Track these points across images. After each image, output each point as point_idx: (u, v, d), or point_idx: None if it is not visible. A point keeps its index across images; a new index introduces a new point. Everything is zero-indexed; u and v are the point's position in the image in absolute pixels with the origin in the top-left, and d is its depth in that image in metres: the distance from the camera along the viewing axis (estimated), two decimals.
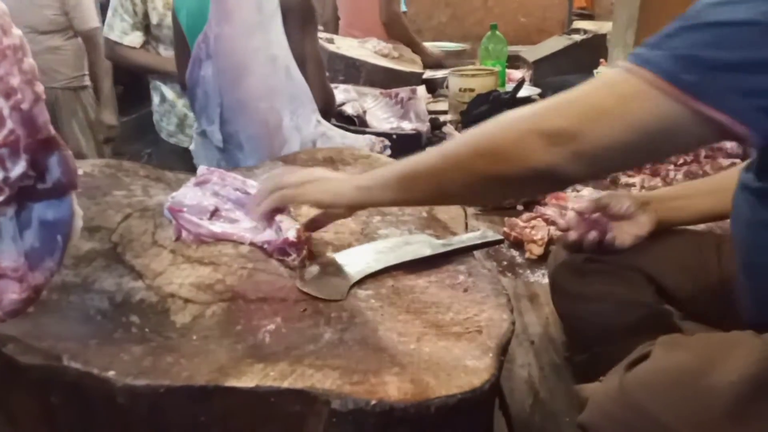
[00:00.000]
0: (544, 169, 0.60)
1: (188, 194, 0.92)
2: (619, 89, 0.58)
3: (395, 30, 2.82)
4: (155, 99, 2.18)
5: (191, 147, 1.67)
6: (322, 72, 1.68)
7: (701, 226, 0.95)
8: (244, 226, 0.87)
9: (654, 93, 0.55)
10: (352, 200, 0.77)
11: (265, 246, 0.83)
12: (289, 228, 0.82)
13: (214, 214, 0.90)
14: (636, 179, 1.48)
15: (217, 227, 0.87)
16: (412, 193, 0.72)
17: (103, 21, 2.26)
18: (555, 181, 0.64)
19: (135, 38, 2.01)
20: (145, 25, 2.02)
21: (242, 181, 0.96)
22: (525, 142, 0.61)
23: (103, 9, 3.11)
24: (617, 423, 0.54)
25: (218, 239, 0.85)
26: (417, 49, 2.79)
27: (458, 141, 0.70)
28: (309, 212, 0.89)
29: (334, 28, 3.03)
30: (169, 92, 2.08)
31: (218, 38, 1.35)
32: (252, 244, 0.84)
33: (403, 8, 3.08)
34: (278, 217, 0.84)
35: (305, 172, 0.84)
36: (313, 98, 1.49)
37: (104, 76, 2.75)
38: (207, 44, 1.38)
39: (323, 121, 1.52)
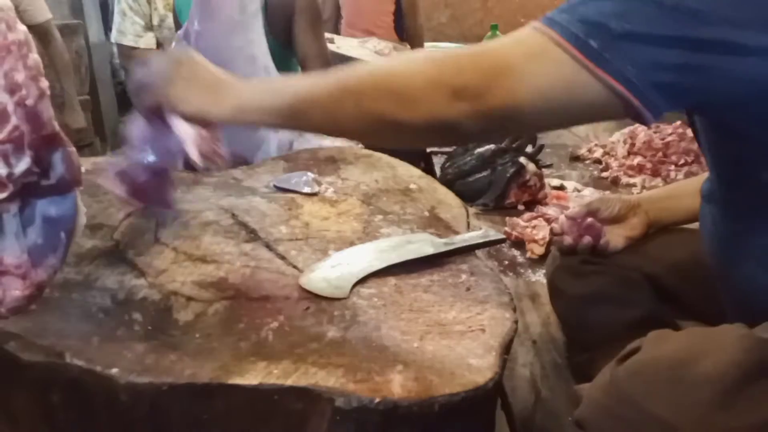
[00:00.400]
0: (445, 122, 0.59)
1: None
2: (526, 47, 0.58)
3: (416, 45, 2.89)
4: None
5: None
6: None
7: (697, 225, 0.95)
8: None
9: (558, 53, 0.55)
10: (222, 119, 0.70)
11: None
12: (186, 138, 0.71)
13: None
14: (637, 179, 1.48)
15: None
16: (299, 121, 0.68)
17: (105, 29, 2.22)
18: (455, 135, 0.63)
19: (149, 40, 1.99)
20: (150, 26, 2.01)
21: None
22: (430, 92, 0.58)
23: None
24: (611, 416, 0.54)
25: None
26: None
27: (360, 73, 0.64)
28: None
29: (334, 26, 3.03)
30: None
31: (199, 35, 1.35)
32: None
33: None
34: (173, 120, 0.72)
35: (177, 65, 0.72)
36: None
37: (65, 75, 2.47)
38: (188, 41, 1.37)
39: None
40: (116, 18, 2.05)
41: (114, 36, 2.10)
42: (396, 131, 0.63)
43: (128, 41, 1.96)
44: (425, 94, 0.59)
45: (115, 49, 2.67)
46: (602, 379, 0.57)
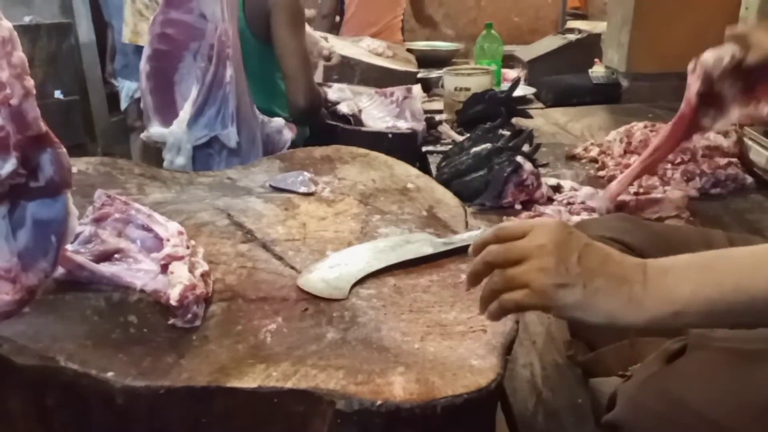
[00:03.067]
0: None
1: (85, 231, 0.77)
2: None
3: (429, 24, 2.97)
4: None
5: (179, 162, 1.59)
6: (308, 69, 1.67)
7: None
8: (144, 268, 0.74)
9: None
10: (637, 331, 0.59)
11: (160, 295, 0.69)
12: (175, 284, 0.68)
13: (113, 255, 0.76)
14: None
15: (108, 269, 0.73)
16: (739, 320, 0.52)
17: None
18: None
19: None
20: None
21: (147, 215, 0.80)
22: None
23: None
24: (658, 420, 0.52)
25: (107, 283, 0.72)
26: None
27: None
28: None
29: (332, 22, 3.01)
30: None
31: (232, 38, 1.32)
32: (142, 291, 0.71)
33: None
34: (171, 266, 0.71)
35: (548, 260, 0.54)
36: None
37: None
38: (230, 40, 1.33)
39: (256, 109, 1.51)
40: (129, 18, 2.02)
41: (128, 36, 2.07)
42: None
43: (144, 41, 1.95)
44: None
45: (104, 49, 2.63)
46: (647, 381, 0.55)
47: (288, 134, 1.59)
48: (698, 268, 0.53)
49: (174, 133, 1.29)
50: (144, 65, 1.26)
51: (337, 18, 3.04)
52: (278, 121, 1.60)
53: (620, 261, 0.56)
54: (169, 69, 1.34)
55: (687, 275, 0.53)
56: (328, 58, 2.10)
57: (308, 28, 2.10)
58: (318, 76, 2.13)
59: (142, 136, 1.30)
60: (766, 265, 0.51)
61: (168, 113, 1.31)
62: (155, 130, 1.30)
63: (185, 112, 1.29)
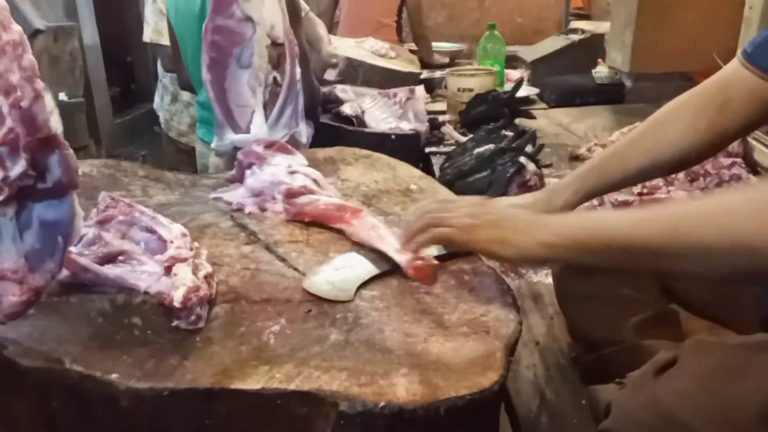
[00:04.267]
0: None
1: (89, 234, 0.77)
2: None
3: (422, 46, 2.91)
4: (165, 98, 2.16)
5: (213, 160, 1.60)
6: (306, 65, 1.68)
7: None
8: (147, 270, 0.74)
9: None
10: (535, 258, 0.69)
11: (164, 297, 0.69)
12: (178, 286, 0.68)
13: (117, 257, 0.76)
14: None
15: (112, 271, 0.73)
16: (616, 261, 0.62)
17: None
18: None
19: None
20: None
21: (151, 217, 0.81)
22: None
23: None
24: (647, 430, 0.53)
25: (111, 285, 0.72)
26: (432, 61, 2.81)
27: (695, 220, 0.55)
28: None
29: (330, 20, 3.02)
30: (185, 93, 2.05)
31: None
32: (146, 293, 0.71)
33: None
34: (175, 267, 0.72)
35: (468, 208, 0.73)
36: None
37: None
38: (294, 39, 1.33)
39: None
40: (151, 18, 2.03)
41: (150, 36, 2.08)
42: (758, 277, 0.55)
43: (166, 41, 1.94)
44: None
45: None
46: (636, 390, 0.56)
47: (306, 130, 1.57)
48: (584, 216, 0.69)
49: (258, 136, 1.29)
50: (206, 74, 1.26)
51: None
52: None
53: (523, 214, 0.72)
54: (220, 76, 1.34)
55: (574, 219, 0.70)
56: (334, 65, 2.11)
57: (323, 30, 2.11)
58: (331, 74, 2.14)
59: (213, 146, 1.30)
60: (630, 220, 0.61)
61: (231, 120, 1.31)
62: (234, 137, 1.29)
63: (260, 115, 1.29)
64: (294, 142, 1.37)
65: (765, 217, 0.50)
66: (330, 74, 2.15)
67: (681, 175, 1.44)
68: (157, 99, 2.24)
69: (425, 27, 2.97)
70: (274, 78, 1.29)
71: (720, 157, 1.48)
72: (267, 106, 1.28)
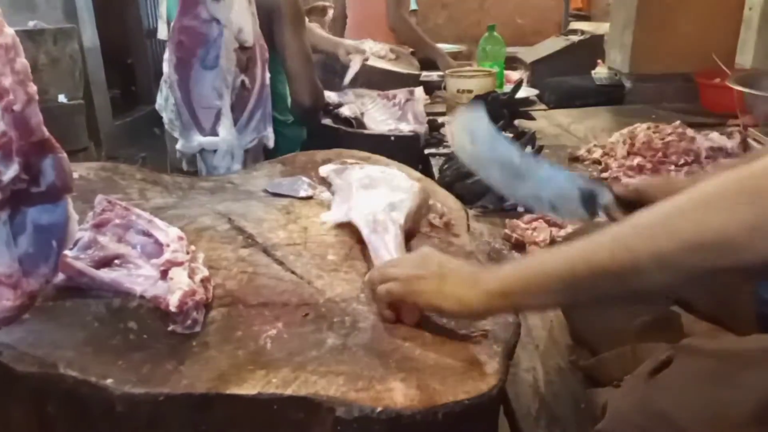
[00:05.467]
0: None
1: (85, 237, 0.77)
2: None
3: (403, 35, 2.77)
4: (170, 99, 2.15)
5: (236, 168, 1.57)
6: (311, 68, 1.69)
7: None
8: (144, 274, 0.74)
9: None
10: (482, 311, 0.63)
11: (160, 301, 0.69)
12: (174, 290, 0.68)
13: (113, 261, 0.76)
14: (637, 180, 1.47)
15: (107, 275, 0.73)
16: (579, 295, 0.58)
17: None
18: None
19: None
20: None
21: (148, 221, 0.81)
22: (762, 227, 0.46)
23: None
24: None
25: (107, 289, 0.72)
26: (430, 51, 2.74)
27: (642, 232, 0.52)
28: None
29: (341, 26, 3.02)
30: None
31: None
32: (142, 297, 0.71)
33: (413, 6, 3.07)
34: (171, 271, 0.72)
35: (415, 260, 0.71)
36: None
37: None
38: (264, 44, 1.33)
39: None
40: (165, 15, 2.04)
41: (164, 33, 2.09)
42: (725, 275, 0.50)
43: None
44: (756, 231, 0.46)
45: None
46: (631, 391, 0.56)
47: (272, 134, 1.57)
48: (530, 258, 0.65)
49: (227, 140, 1.28)
50: (173, 75, 1.24)
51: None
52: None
53: (471, 267, 0.70)
54: (185, 77, 1.33)
55: (519, 263, 0.65)
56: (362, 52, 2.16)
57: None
58: (351, 73, 2.16)
59: (178, 147, 1.29)
60: (579, 248, 0.56)
61: (196, 122, 1.31)
62: (202, 139, 1.28)
63: (228, 118, 1.28)
64: (259, 147, 1.36)
65: (705, 210, 0.48)
66: (351, 71, 2.17)
67: (681, 176, 1.43)
68: (159, 100, 2.24)
69: (401, 18, 2.82)
70: (243, 81, 1.28)
71: (720, 157, 1.48)
72: (235, 109, 1.28)
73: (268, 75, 1.32)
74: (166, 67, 1.27)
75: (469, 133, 0.93)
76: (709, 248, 0.47)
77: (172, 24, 1.39)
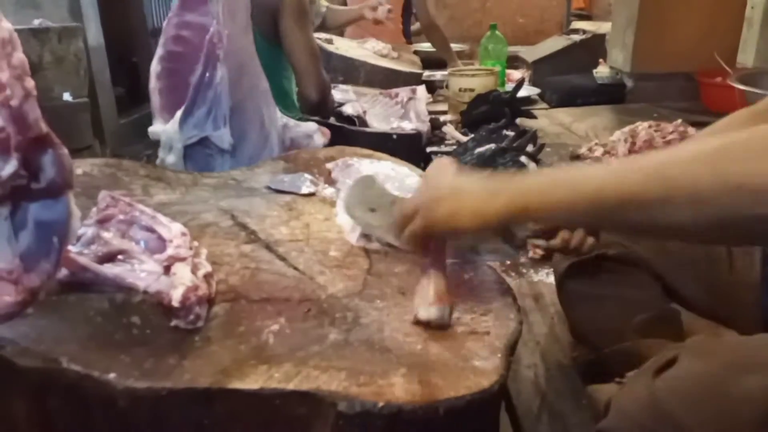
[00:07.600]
0: None
1: (89, 233, 0.76)
2: None
3: (434, 35, 2.78)
4: None
5: (170, 161, 1.57)
6: (318, 63, 1.69)
7: None
8: (147, 269, 0.73)
9: None
10: (501, 224, 0.62)
11: (162, 296, 0.68)
12: (177, 285, 0.68)
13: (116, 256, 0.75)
14: None
15: (111, 270, 0.72)
16: (602, 218, 0.56)
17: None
18: None
19: None
20: None
21: (151, 216, 0.81)
22: None
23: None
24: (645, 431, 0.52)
25: (110, 284, 0.71)
26: (448, 53, 2.76)
27: (683, 165, 0.51)
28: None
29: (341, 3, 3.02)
30: None
31: (229, 37, 1.32)
32: (145, 292, 0.70)
33: None
34: (174, 267, 0.72)
35: (428, 190, 0.69)
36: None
37: None
38: (221, 42, 1.34)
39: (278, 112, 1.50)
40: None
41: None
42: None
43: None
44: None
45: None
46: (636, 390, 0.55)
47: (320, 139, 1.54)
48: (555, 171, 0.61)
49: (167, 132, 1.29)
50: (155, 65, 1.26)
51: None
52: (309, 126, 1.55)
53: (485, 180, 0.65)
54: (184, 70, 1.34)
55: (543, 176, 0.62)
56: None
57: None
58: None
59: (149, 131, 1.31)
60: (608, 170, 0.56)
61: (160, 111, 1.32)
62: (155, 127, 1.31)
63: (179, 111, 1.29)
64: (205, 147, 1.36)
65: (757, 156, 0.47)
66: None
67: None
68: None
69: (433, 16, 2.87)
70: (206, 77, 1.28)
71: None
72: (196, 105, 1.28)
73: (218, 73, 1.30)
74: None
75: (365, 203, 0.88)
76: (750, 193, 0.46)
77: (168, 17, 1.39)
